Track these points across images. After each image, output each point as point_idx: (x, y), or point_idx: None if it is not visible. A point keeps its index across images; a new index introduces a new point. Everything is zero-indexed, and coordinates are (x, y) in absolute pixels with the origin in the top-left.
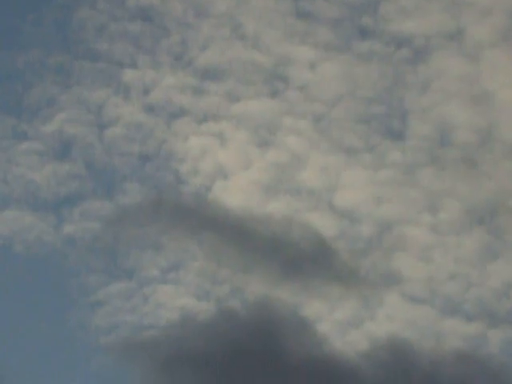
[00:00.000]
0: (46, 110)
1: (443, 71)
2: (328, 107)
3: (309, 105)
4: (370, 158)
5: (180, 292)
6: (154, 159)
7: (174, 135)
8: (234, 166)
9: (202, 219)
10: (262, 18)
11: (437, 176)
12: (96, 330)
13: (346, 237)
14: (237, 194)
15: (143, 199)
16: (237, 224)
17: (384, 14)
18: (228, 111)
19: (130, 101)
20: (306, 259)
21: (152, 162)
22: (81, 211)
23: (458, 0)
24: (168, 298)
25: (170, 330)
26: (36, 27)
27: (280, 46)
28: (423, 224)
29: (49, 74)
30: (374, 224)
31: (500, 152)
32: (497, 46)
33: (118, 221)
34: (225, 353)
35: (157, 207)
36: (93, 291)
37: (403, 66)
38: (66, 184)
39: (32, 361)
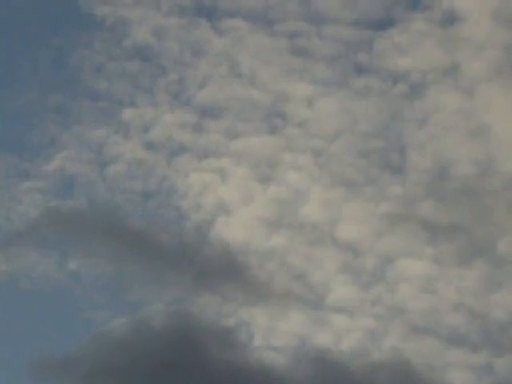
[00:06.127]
0: (47, 149)
1: (440, 106)
2: (327, 142)
3: (308, 140)
4: (370, 192)
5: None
6: (155, 196)
7: (174, 172)
8: (236, 202)
9: (204, 254)
10: (258, 55)
11: (437, 208)
12: None
13: (349, 270)
14: (239, 229)
15: (145, 235)
16: (239, 259)
17: (379, 50)
18: (228, 148)
19: (130, 139)
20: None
21: (154, 199)
22: (84, 248)
23: (452, 35)
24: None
25: (86, 347)
26: (34, 67)
27: (277, 83)
28: (425, 256)
29: (48, 113)
30: (376, 257)
31: (499, 184)
32: (492, 81)
33: (121, 256)
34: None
35: (159, 243)
36: (99, 326)
37: (400, 101)
38: (69, 221)
39: None
